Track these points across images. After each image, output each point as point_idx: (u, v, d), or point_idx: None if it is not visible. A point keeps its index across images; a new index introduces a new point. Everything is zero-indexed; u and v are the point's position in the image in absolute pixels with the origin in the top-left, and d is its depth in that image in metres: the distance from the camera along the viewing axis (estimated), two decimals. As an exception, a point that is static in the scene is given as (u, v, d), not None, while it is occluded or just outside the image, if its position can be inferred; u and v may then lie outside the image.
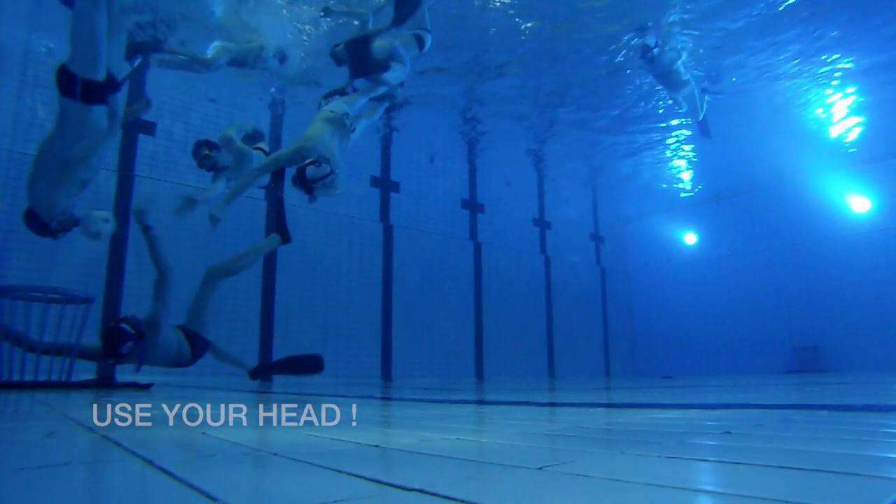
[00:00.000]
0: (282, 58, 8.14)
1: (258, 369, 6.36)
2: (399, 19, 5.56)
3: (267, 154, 6.02)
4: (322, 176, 5.36)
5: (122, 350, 4.56)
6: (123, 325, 4.62)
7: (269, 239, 5.89)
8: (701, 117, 9.20)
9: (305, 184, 5.45)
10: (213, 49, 7.34)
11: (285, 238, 5.77)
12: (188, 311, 5.32)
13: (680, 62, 8.07)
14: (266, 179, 5.96)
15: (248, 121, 7.70)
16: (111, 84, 4.66)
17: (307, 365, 5.72)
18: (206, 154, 5.84)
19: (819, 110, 10.54)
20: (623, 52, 8.55)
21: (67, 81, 4.43)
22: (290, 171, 6.05)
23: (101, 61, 4.48)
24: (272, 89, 9.47)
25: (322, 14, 7.04)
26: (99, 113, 4.63)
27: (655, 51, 7.85)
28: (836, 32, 8.13)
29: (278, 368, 6.20)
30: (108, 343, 4.55)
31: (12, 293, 5.09)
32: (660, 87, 9.34)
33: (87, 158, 4.72)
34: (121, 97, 4.98)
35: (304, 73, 8.79)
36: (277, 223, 5.82)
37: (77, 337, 5.24)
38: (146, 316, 4.88)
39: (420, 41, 5.88)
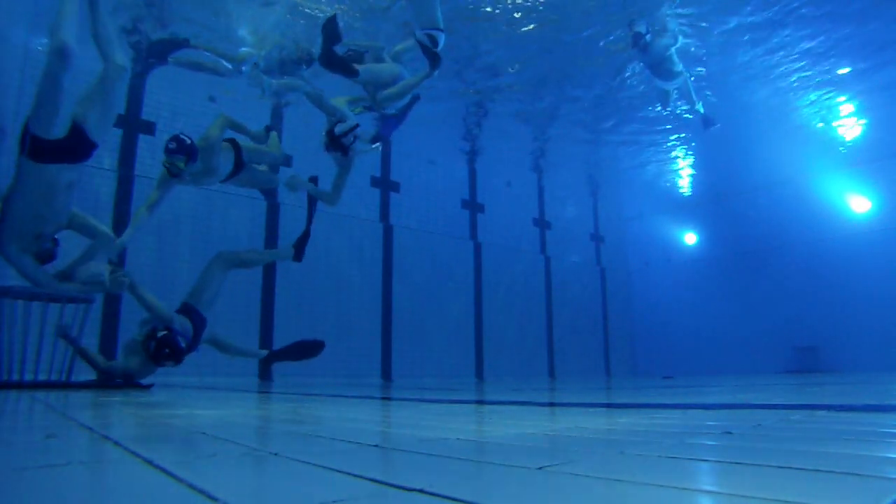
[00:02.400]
0: (307, 60, 8.10)
1: (270, 356, 6.47)
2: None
3: (238, 146, 5.74)
4: (350, 128, 5.63)
5: (181, 345, 5.02)
6: (162, 332, 4.98)
7: (283, 249, 6.11)
8: (697, 108, 9.09)
9: (337, 142, 5.68)
10: (242, 52, 7.39)
11: (298, 256, 6.05)
12: (191, 288, 5.61)
13: (674, 49, 7.92)
14: (228, 168, 5.71)
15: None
16: (83, 144, 4.29)
17: (312, 349, 6.25)
18: (180, 165, 5.02)
19: (820, 110, 10.52)
20: (622, 47, 8.51)
21: (22, 136, 4.16)
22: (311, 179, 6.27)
23: (55, 120, 4.16)
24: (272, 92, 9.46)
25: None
26: (56, 172, 4.24)
27: (648, 37, 7.75)
28: (837, 31, 8.11)
29: (287, 355, 6.34)
30: (170, 345, 4.97)
31: (12, 293, 5.10)
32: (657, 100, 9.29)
33: (42, 216, 4.41)
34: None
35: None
36: (300, 239, 6.07)
37: (77, 338, 5.28)
38: (147, 319, 5.12)
39: (433, 41, 5.76)
